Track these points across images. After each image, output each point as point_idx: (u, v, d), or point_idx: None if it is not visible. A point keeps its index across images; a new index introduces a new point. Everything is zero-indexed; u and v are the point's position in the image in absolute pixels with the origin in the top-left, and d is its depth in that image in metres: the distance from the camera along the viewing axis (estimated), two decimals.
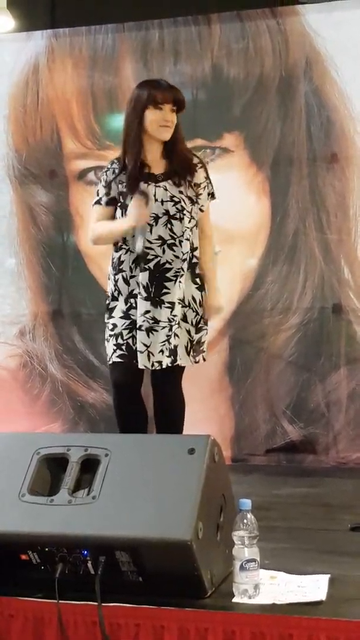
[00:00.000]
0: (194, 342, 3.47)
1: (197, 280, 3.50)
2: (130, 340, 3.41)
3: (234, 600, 2.37)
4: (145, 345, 3.37)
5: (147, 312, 3.38)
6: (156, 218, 3.41)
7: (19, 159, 5.16)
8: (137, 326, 3.38)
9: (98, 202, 3.54)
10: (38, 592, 2.42)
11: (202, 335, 3.50)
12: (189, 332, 3.46)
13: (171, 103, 3.43)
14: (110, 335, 3.45)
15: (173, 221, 3.42)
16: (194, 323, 3.47)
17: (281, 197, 4.78)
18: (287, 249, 4.77)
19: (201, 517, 2.34)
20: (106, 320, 3.49)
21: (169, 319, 3.39)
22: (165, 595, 2.35)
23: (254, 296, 4.77)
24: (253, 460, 4.74)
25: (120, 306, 3.45)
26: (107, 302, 3.50)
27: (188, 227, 3.44)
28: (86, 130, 5.04)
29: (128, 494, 2.41)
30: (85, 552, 2.38)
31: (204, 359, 3.55)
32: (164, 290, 3.39)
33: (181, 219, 3.42)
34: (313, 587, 2.45)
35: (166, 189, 3.44)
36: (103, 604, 2.30)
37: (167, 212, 3.42)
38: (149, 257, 3.40)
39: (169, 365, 3.39)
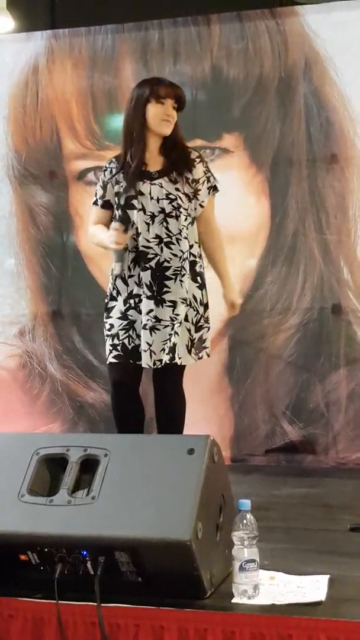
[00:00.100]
0: (194, 341, 3.47)
1: (198, 278, 3.49)
2: (126, 341, 3.42)
3: (234, 600, 2.37)
4: (148, 344, 3.38)
5: (151, 310, 3.38)
6: (152, 216, 3.41)
7: (18, 159, 5.15)
8: (142, 325, 3.39)
9: (95, 203, 3.57)
10: (37, 592, 2.42)
11: (202, 334, 3.50)
12: (189, 330, 3.46)
13: (173, 99, 3.44)
14: (107, 336, 3.47)
15: (169, 219, 3.41)
16: (194, 322, 3.47)
17: (281, 197, 4.78)
18: (287, 250, 4.77)
19: (201, 517, 2.34)
20: (104, 320, 3.50)
21: (171, 317, 3.39)
22: (165, 595, 2.36)
23: (254, 297, 4.76)
24: (252, 461, 4.74)
25: (118, 306, 3.46)
26: (106, 301, 3.51)
27: (184, 225, 3.43)
28: (86, 131, 5.04)
29: (127, 494, 2.41)
30: (85, 552, 2.39)
31: (208, 355, 3.54)
32: (165, 289, 3.40)
33: (177, 217, 3.42)
34: (312, 588, 2.45)
35: (162, 186, 3.43)
36: (102, 605, 2.30)
37: (162, 210, 3.41)
38: (149, 255, 3.41)
39: (167, 362, 3.39)
